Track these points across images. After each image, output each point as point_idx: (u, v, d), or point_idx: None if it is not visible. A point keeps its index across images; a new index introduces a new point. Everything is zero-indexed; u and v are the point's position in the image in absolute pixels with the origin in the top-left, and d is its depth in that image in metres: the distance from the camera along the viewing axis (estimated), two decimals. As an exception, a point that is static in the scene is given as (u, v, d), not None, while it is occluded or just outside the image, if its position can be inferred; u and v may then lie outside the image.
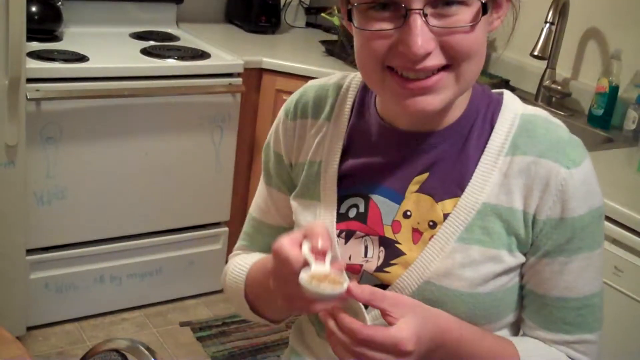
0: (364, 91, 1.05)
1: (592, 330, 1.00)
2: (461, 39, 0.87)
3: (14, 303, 2.52)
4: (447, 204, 0.95)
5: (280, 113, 1.11)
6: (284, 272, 0.86)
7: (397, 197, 0.98)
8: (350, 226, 0.99)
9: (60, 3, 2.70)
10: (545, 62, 2.65)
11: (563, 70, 2.70)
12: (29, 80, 2.34)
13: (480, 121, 0.97)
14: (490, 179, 0.93)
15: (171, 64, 2.65)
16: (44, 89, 2.39)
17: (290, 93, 1.15)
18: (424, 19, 0.85)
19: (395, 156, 0.98)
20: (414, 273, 0.95)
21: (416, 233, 0.96)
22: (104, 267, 2.71)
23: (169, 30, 3.06)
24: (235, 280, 1.14)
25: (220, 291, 3.04)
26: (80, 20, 2.85)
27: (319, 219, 1.01)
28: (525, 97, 2.73)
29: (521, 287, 0.99)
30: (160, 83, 2.61)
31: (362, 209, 0.99)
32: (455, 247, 0.93)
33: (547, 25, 2.51)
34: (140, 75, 2.58)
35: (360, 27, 0.89)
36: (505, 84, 2.86)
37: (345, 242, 0.99)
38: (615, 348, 1.87)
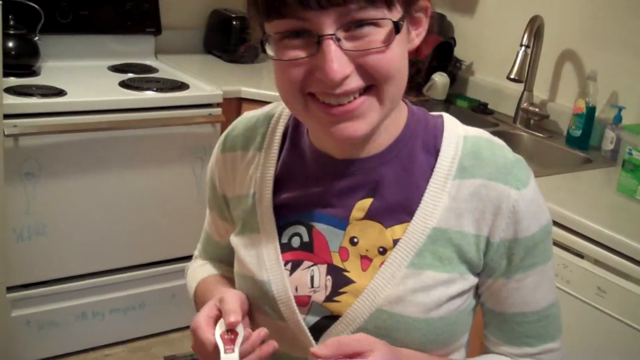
0: (296, 119, 1.03)
1: (554, 338, 1.02)
2: (377, 59, 0.85)
3: (-5, 342, 2.48)
4: (397, 229, 0.93)
5: (216, 146, 1.11)
6: (203, 351, 0.92)
7: (341, 224, 0.96)
8: (297, 256, 0.97)
9: (37, 38, 2.70)
10: (522, 84, 2.68)
11: (540, 92, 2.72)
12: (7, 116, 2.32)
13: (420, 144, 0.96)
14: (439, 203, 0.92)
15: (150, 96, 2.64)
16: (22, 124, 2.37)
17: (269, 122, 1.16)
18: (337, 43, 0.84)
19: (334, 183, 0.96)
20: (365, 301, 0.93)
21: (365, 260, 0.94)
22: (86, 303, 2.67)
23: (148, 62, 3.06)
24: (190, 286, 1.23)
25: (204, 323, 3.01)
26: (57, 54, 2.85)
27: (262, 251, 0.98)
28: (504, 120, 2.76)
29: (481, 305, 1.02)
30: (140, 115, 2.60)
31: (306, 238, 0.97)
32: (407, 272, 0.92)
33: (523, 48, 2.53)
34: (119, 107, 2.57)
35: (275, 58, 0.87)
36: (484, 107, 2.87)
37: (291, 274, 0.97)
38: (601, 369, 1.87)
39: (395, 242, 0.93)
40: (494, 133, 2.78)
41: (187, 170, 2.75)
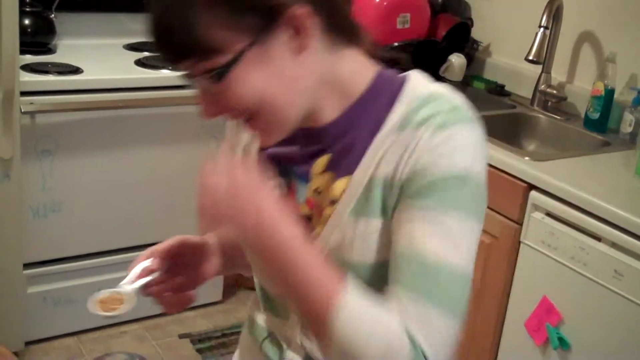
0: None
1: (431, 299, 0.88)
2: (231, 99, 0.92)
3: (11, 318, 2.50)
4: (344, 181, 0.98)
5: None
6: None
7: (306, 177, 1.03)
8: None
9: (53, 15, 2.70)
10: (540, 66, 2.65)
11: (558, 74, 2.70)
12: (23, 94, 2.33)
13: (378, 105, 0.98)
14: (377, 155, 0.95)
15: (165, 75, 2.64)
16: (38, 101, 2.38)
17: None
18: (201, 88, 0.93)
19: (306, 145, 1.03)
20: (317, 247, 0.98)
21: (324, 208, 1.00)
22: (102, 280, 2.69)
23: (163, 41, 3.05)
24: None
25: (219, 302, 3.03)
26: (73, 32, 2.84)
27: None
28: (521, 102, 2.74)
29: None
30: (155, 94, 2.60)
31: (284, 190, 1.06)
32: (346, 221, 0.97)
33: (542, 29, 2.51)
34: (135, 86, 2.57)
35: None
36: (501, 88, 2.85)
37: None
38: (615, 351, 1.86)
39: (343, 192, 0.98)
40: (511, 115, 2.77)
41: (201, 149, 2.75)
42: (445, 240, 0.89)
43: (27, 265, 2.52)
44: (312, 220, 1.02)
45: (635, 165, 2.07)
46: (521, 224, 2.09)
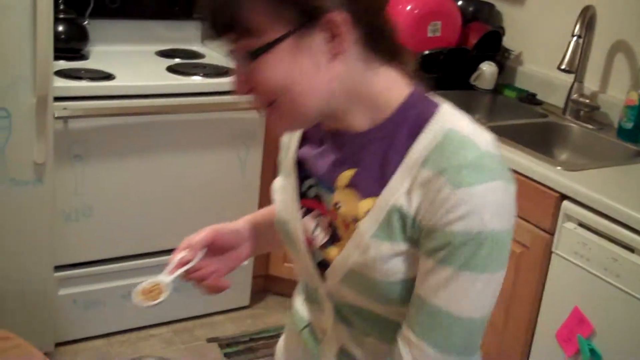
0: None
1: (437, 346, 0.99)
2: (257, 81, 0.97)
3: (42, 319, 2.53)
4: (369, 202, 1.03)
5: None
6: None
7: (331, 189, 1.07)
8: (310, 204, 1.11)
9: (86, 22, 2.73)
10: (573, 75, 2.63)
11: (591, 83, 2.67)
12: (57, 99, 2.36)
13: (407, 129, 1.01)
14: (402, 185, 0.99)
15: (196, 82, 2.66)
16: (71, 107, 2.41)
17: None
18: (236, 66, 0.98)
19: (330, 151, 1.08)
20: (342, 260, 1.05)
21: (346, 224, 1.06)
22: (131, 284, 2.68)
23: (194, 48, 3.08)
24: None
25: (247, 307, 3.04)
26: (106, 39, 2.88)
27: (287, 196, 1.14)
28: (553, 111, 2.71)
29: None
30: (186, 100, 2.62)
31: (318, 192, 1.11)
32: (369, 243, 1.01)
33: (575, 38, 2.49)
34: (166, 92, 2.59)
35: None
36: (532, 97, 2.83)
37: (303, 217, 1.12)
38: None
39: (366, 213, 1.03)
40: (543, 124, 2.76)
41: (232, 156, 2.77)
42: (458, 295, 0.97)
43: (58, 268, 2.55)
44: (339, 230, 1.07)
45: (669, 176, 2.04)
46: (553, 234, 2.07)
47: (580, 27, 2.51)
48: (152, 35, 3.03)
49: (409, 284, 1.01)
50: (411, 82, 1.04)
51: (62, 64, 2.57)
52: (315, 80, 0.97)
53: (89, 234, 2.58)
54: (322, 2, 0.94)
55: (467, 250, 0.95)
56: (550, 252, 2.08)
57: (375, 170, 1.02)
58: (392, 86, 1.03)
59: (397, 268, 1.00)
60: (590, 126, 2.58)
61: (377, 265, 1.01)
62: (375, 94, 1.02)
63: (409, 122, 1.01)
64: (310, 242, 1.10)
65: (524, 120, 2.63)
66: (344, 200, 1.05)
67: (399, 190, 0.99)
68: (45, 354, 2.44)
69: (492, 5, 3.05)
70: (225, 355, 2.75)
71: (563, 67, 2.49)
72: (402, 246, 1.00)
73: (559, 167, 2.13)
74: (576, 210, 2.00)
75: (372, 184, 1.02)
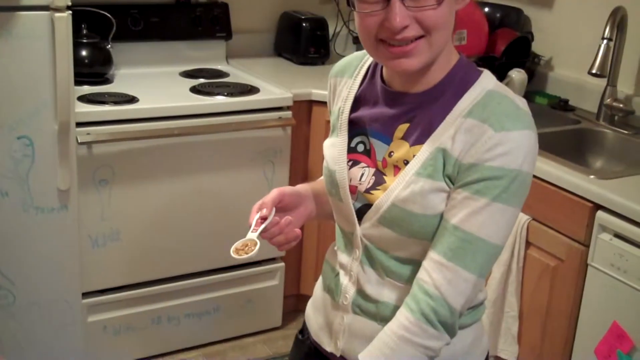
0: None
1: (467, 267, 1.16)
2: (429, 15, 1.14)
3: (72, 347, 2.52)
4: (417, 148, 1.22)
5: None
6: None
7: (387, 140, 1.27)
8: (358, 158, 1.31)
9: (110, 46, 2.73)
10: (605, 79, 2.54)
11: (625, 86, 2.59)
12: (80, 124, 2.36)
13: (453, 89, 1.22)
14: (446, 132, 1.19)
15: (221, 101, 2.64)
16: (95, 131, 2.40)
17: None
18: (401, 1, 1.14)
19: (388, 110, 1.28)
20: (385, 197, 1.24)
21: (396, 168, 1.25)
22: (161, 308, 2.69)
23: (219, 67, 3.06)
24: None
25: (279, 328, 2.99)
26: (130, 62, 2.88)
27: (336, 150, 1.33)
28: (586, 117, 2.63)
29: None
30: (211, 120, 2.60)
31: (367, 147, 1.30)
32: (412, 179, 1.21)
33: (605, 41, 2.41)
34: (190, 113, 2.58)
35: (358, 10, 1.19)
36: (564, 103, 2.75)
37: (350, 168, 1.30)
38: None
39: (414, 156, 1.22)
40: (576, 130, 2.67)
41: (258, 174, 2.74)
42: (488, 222, 1.15)
43: (86, 294, 2.54)
44: (386, 175, 1.26)
45: None
46: (588, 246, 1.99)
47: (611, 29, 2.43)
48: (175, 56, 3.02)
49: (440, 219, 1.19)
50: (456, 52, 1.25)
51: (86, 89, 2.57)
52: (451, 27, 1.20)
53: (117, 259, 2.57)
54: None
55: (502, 183, 1.14)
56: (586, 265, 2.00)
57: (424, 123, 1.22)
58: (452, 51, 1.24)
59: (433, 202, 1.18)
60: (625, 131, 2.49)
61: (417, 199, 1.19)
62: (446, 56, 1.22)
63: (455, 84, 1.22)
64: (354, 188, 1.29)
65: (557, 128, 2.55)
66: (397, 148, 1.25)
67: (444, 136, 1.18)
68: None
69: (519, 11, 2.98)
70: (258, 377, 2.71)
71: (594, 71, 2.41)
72: (440, 183, 1.18)
73: (592, 176, 2.05)
74: (611, 220, 1.92)
75: (421, 134, 1.22)
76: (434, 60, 1.21)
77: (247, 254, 1.28)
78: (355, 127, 1.32)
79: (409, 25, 1.15)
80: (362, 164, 1.30)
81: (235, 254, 1.29)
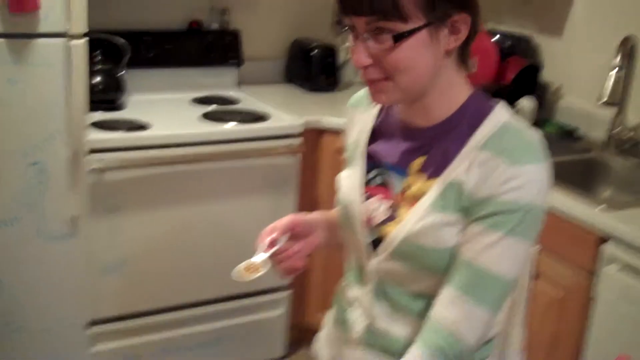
0: None
1: (481, 302, 1.16)
2: (389, 57, 1.13)
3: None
4: (433, 181, 1.22)
5: None
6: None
7: (404, 173, 1.27)
8: (374, 191, 1.30)
9: (123, 73, 2.76)
10: (615, 108, 2.54)
11: (635, 115, 2.58)
12: (92, 151, 2.37)
13: (468, 121, 1.21)
14: (461, 165, 1.19)
15: (231, 128, 2.66)
16: (107, 158, 2.41)
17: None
18: (363, 40, 1.14)
19: (405, 143, 1.28)
20: (399, 230, 1.23)
21: (412, 202, 1.24)
22: (170, 336, 2.69)
23: (231, 93, 3.08)
24: None
25: (283, 358, 2.97)
26: (143, 88, 2.90)
27: (354, 182, 1.33)
28: (595, 146, 2.62)
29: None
30: (221, 148, 2.61)
31: (384, 180, 1.30)
32: (425, 212, 1.20)
33: (615, 70, 2.41)
34: (201, 140, 2.59)
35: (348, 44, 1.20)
36: (573, 132, 2.75)
37: (365, 201, 1.30)
38: None
39: (429, 190, 1.22)
40: (585, 160, 2.66)
41: (268, 202, 2.74)
42: (502, 256, 1.15)
43: (94, 323, 2.53)
44: (401, 209, 1.25)
45: None
46: (596, 277, 1.98)
47: (622, 58, 2.44)
48: (188, 83, 3.04)
49: (453, 253, 1.18)
50: (471, 84, 1.24)
51: (99, 116, 2.58)
52: (430, 68, 1.16)
53: (126, 287, 2.57)
54: (462, 1, 1.14)
55: (515, 217, 1.14)
56: (592, 298, 1.99)
57: (439, 156, 1.22)
58: (463, 84, 1.23)
59: (446, 236, 1.18)
60: (635, 159, 2.48)
61: (430, 232, 1.19)
62: (455, 90, 1.22)
63: (468, 117, 1.21)
64: (368, 221, 1.28)
65: (566, 157, 2.55)
66: (414, 182, 1.24)
67: (459, 168, 1.18)
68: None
69: (529, 39, 2.99)
70: (266, 405, 2.69)
71: (604, 100, 2.41)
72: (453, 217, 1.18)
73: (600, 206, 2.04)
74: (618, 252, 1.91)
75: (437, 167, 1.21)
76: (426, 96, 1.21)
77: (257, 273, 1.29)
78: (372, 160, 1.32)
79: (371, 67, 1.15)
80: (378, 197, 1.30)
81: (241, 276, 1.30)
